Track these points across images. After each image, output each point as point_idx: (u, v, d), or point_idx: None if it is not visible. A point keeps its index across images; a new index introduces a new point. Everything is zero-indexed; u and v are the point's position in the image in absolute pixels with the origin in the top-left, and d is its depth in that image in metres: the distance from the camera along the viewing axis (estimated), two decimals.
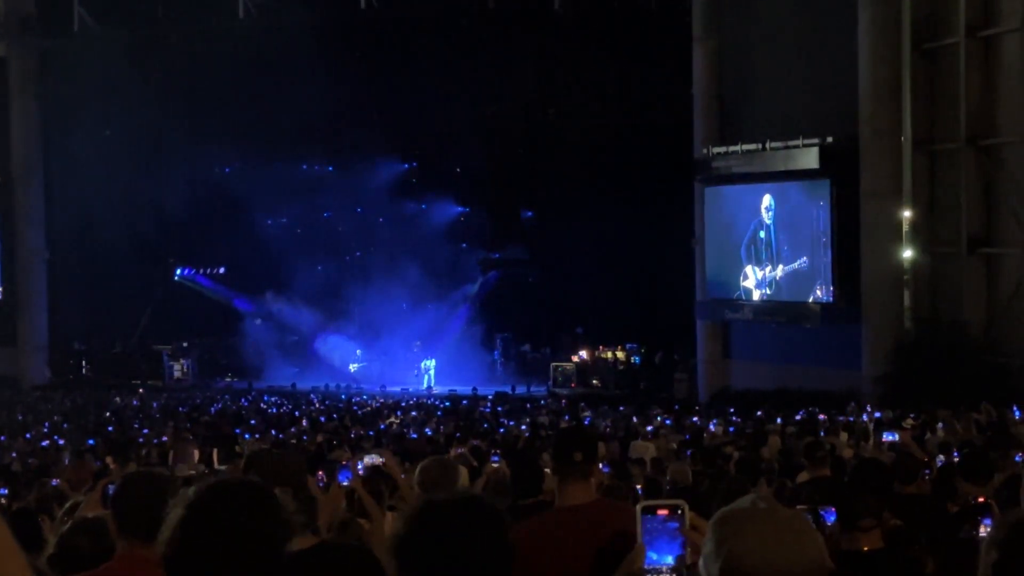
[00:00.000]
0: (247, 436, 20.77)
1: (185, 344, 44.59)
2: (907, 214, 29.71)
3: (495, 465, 10.37)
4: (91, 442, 20.55)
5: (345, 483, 6.94)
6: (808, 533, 2.61)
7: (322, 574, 4.18)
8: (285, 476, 4.47)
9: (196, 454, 16.77)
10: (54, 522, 6.90)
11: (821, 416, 22.07)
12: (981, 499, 5.72)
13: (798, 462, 11.64)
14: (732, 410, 28.25)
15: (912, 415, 20.22)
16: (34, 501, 9.91)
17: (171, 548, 2.72)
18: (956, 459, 9.91)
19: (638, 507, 2.75)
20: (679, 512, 2.73)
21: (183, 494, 2.80)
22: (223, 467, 14.19)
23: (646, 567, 2.72)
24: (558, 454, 5.04)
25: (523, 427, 23.49)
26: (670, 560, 2.71)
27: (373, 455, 7.43)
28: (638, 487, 10.37)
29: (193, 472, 13.87)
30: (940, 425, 17.02)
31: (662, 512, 2.73)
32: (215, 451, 16.38)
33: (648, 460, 13.91)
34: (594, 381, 39.09)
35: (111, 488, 4.62)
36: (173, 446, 17.34)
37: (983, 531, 5.27)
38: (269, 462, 4.65)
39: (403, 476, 8.13)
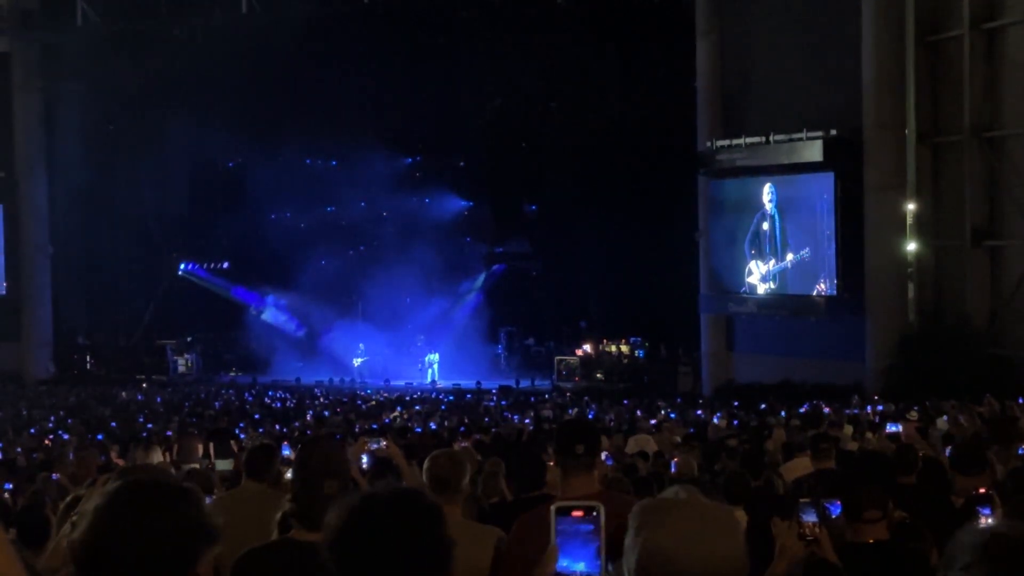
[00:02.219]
0: (243, 432, 20.78)
1: (189, 339, 44.66)
2: (911, 207, 29.69)
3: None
4: (100, 437, 20.56)
5: None
6: (729, 527, 2.55)
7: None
8: (332, 468, 4.46)
9: (200, 449, 16.78)
10: (56, 516, 6.89)
11: (825, 409, 22.05)
12: (982, 490, 5.70)
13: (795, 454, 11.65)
14: (736, 403, 28.25)
15: (915, 407, 20.20)
16: (31, 496, 9.90)
17: (79, 555, 2.69)
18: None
19: (552, 507, 2.61)
20: (595, 514, 2.58)
21: (93, 498, 2.75)
22: (219, 461, 14.20)
23: (558, 572, 2.57)
24: (560, 446, 5.04)
25: (527, 420, 23.49)
26: (582, 567, 2.56)
27: (375, 441, 7.42)
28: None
29: (197, 467, 13.89)
30: (944, 418, 17.01)
31: (577, 513, 2.59)
32: (212, 446, 16.41)
33: (651, 453, 13.90)
34: (598, 375, 39.09)
35: None
36: (177, 441, 17.35)
37: (983, 522, 5.26)
38: (319, 453, 4.62)
39: (406, 466, 8.13)
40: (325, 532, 2.69)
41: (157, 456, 15.58)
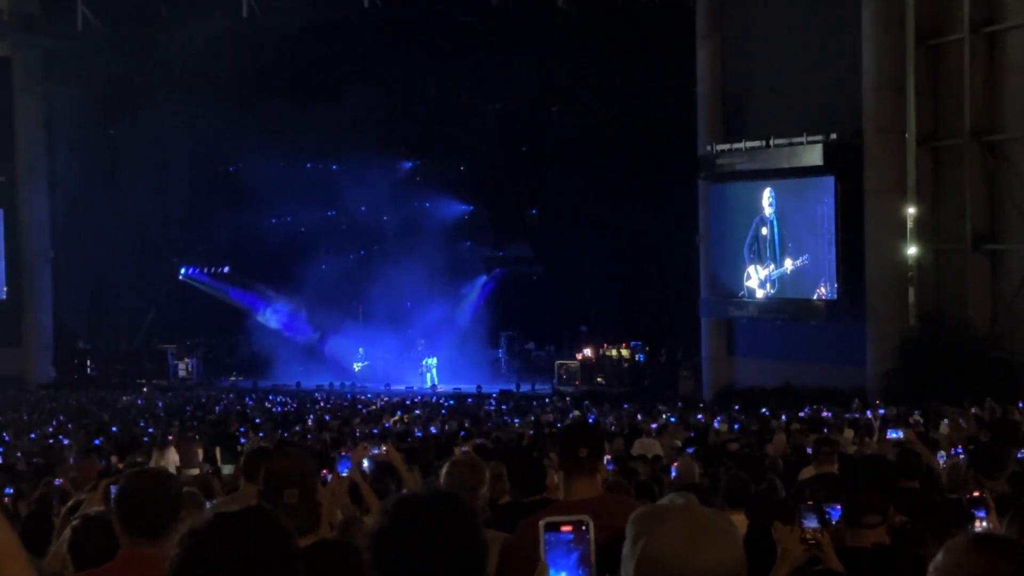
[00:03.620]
0: (244, 436, 20.73)
1: (189, 343, 44.67)
2: (911, 211, 29.70)
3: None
4: (97, 442, 20.55)
5: (344, 473, 6.95)
6: (726, 534, 2.55)
7: (318, 572, 4.17)
8: (294, 477, 4.44)
9: (200, 453, 16.76)
10: (57, 521, 6.90)
11: (826, 413, 22.05)
12: (976, 493, 5.70)
13: (803, 459, 11.63)
14: (737, 407, 28.23)
15: (917, 411, 20.21)
16: (36, 500, 9.91)
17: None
18: (959, 455, 9.89)
19: (540, 523, 2.66)
20: (584, 528, 2.64)
21: (183, 530, 2.74)
22: (226, 466, 14.19)
23: None
24: (564, 450, 5.03)
25: (529, 430, 23.44)
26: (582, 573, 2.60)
27: (376, 446, 7.44)
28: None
29: (197, 471, 13.88)
30: (945, 421, 17.01)
31: (566, 528, 2.63)
32: (218, 450, 16.38)
33: (650, 457, 13.89)
34: (599, 379, 39.05)
35: (113, 488, 4.61)
36: (177, 446, 17.31)
37: (978, 525, 5.27)
38: (283, 461, 4.61)
39: (407, 470, 8.14)
40: (364, 535, 2.73)
41: (173, 457, 15.58)
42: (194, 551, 2.66)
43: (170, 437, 19.47)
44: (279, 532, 2.75)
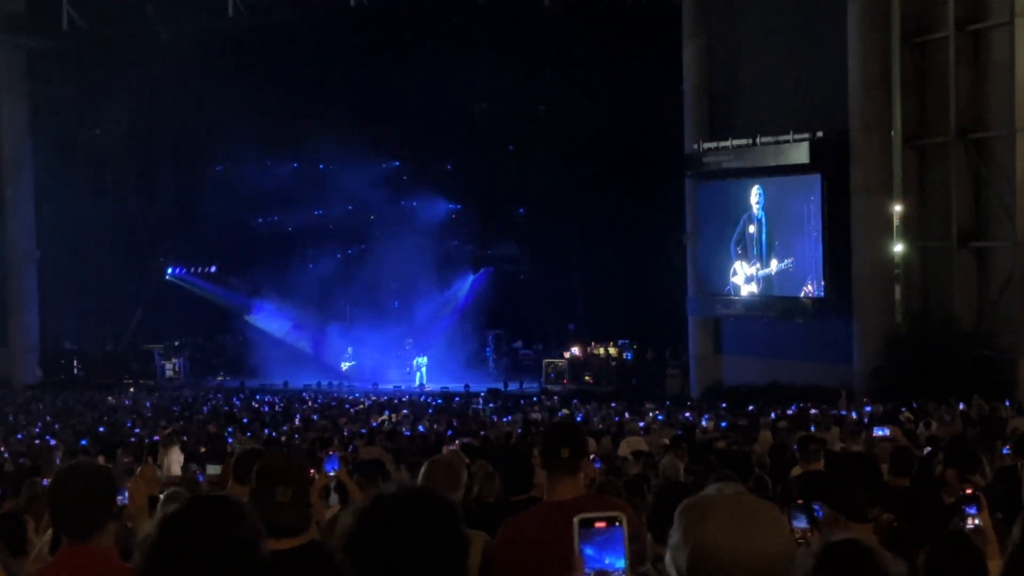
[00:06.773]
0: (231, 436, 20.71)
1: (177, 343, 44.57)
2: (897, 208, 29.76)
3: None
4: (83, 442, 20.51)
5: (332, 472, 6.96)
6: (777, 522, 2.58)
7: (308, 572, 4.15)
8: (286, 476, 4.42)
9: (180, 459, 16.65)
10: (42, 521, 6.88)
11: (813, 411, 22.09)
12: (968, 490, 5.73)
13: (790, 457, 11.64)
14: (724, 405, 28.28)
15: (903, 408, 20.27)
16: (24, 501, 9.87)
17: (146, 560, 2.70)
18: (942, 451, 9.94)
19: (575, 520, 2.69)
20: (617, 524, 2.68)
21: (157, 515, 2.77)
22: (211, 466, 14.14)
23: (596, 570, 2.64)
24: (546, 450, 5.04)
25: (518, 429, 23.44)
26: (609, 561, 2.64)
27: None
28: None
29: (180, 473, 13.83)
30: (934, 425, 17.06)
31: (599, 525, 2.67)
32: (203, 450, 16.29)
33: (631, 455, 13.88)
34: (586, 377, 39.05)
35: None
36: (150, 448, 17.16)
37: (970, 522, 5.28)
38: (274, 461, 4.60)
39: (394, 470, 8.15)
40: (339, 534, 2.70)
41: (176, 455, 15.51)
42: (166, 536, 2.70)
43: (156, 437, 19.42)
44: (247, 521, 2.78)
